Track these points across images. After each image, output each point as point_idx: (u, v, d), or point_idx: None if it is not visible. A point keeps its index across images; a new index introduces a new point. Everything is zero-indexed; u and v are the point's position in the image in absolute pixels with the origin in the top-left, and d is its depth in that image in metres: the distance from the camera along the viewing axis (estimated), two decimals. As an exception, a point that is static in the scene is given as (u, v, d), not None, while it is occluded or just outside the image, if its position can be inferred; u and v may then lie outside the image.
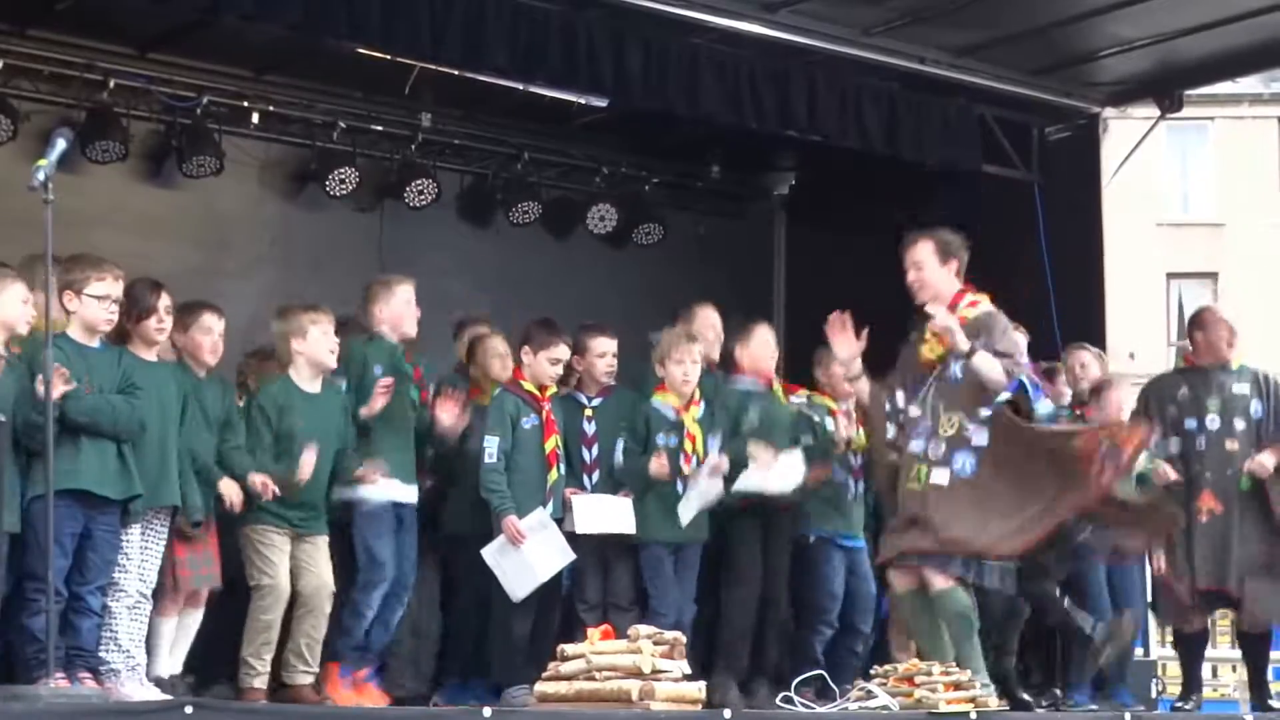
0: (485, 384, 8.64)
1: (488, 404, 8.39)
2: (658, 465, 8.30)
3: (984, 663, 7.74)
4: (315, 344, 7.73)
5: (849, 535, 8.84)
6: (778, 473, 8.43)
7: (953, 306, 7.75)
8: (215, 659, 7.79)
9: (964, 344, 7.56)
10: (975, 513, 7.58)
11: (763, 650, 8.67)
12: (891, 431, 7.90)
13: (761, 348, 8.80)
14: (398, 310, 8.12)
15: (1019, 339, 7.87)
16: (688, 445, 8.39)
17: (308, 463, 7.54)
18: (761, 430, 8.54)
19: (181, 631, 7.53)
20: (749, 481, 8.39)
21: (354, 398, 7.92)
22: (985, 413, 7.60)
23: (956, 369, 7.67)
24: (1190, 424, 9.17)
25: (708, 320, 9.02)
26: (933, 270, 7.80)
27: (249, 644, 7.52)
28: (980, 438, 7.60)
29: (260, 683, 7.52)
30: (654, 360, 8.56)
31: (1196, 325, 9.45)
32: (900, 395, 7.86)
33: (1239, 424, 9.11)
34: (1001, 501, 7.60)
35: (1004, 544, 7.63)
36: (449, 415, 8.13)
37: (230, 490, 7.40)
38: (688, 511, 8.33)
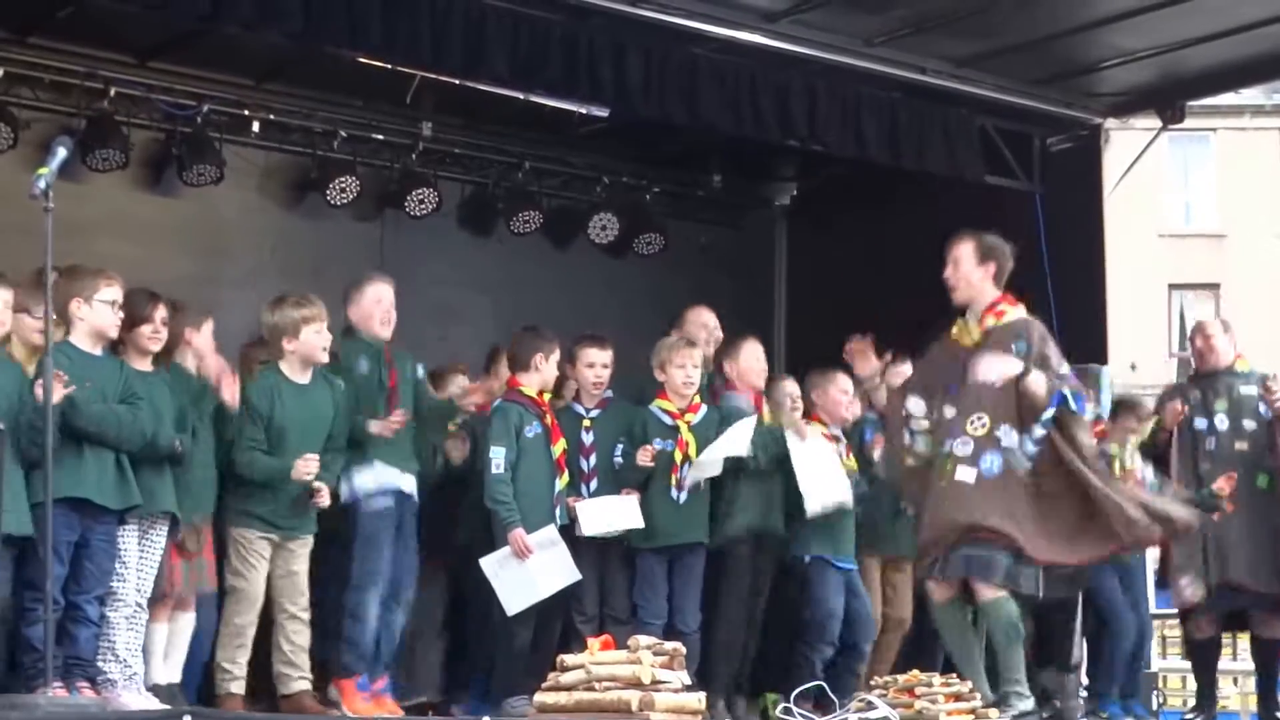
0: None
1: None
2: (644, 455, 8.32)
3: (1024, 673, 7.74)
4: (307, 343, 7.70)
5: (842, 558, 8.83)
6: (815, 449, 8.48)
7: (984, 314, 7.76)
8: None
9: (1015, 369, 7.57)
10: (1006, 509, 7.51)
11: (742, 668, 8.69)
12: (906, 438, 7.87)
13: (751, 362, 8.78)
14: (366, 310, 8.09)
15: (1054, 348, 7.79)
16: (678, 454, 8.40)
17: (304, 469, 7.50)
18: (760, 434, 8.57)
19: (175, 637, 7.50)
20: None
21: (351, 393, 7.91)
22: (1039, 432, 7.57)
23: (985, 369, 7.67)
24: (1200, 424, 9.20)
25: (699, 320, 9.02)
26: (968, 269, 7.80)
27: (223, 649, 7.51)
28: (1010, 439, 7.56)
29: (237, 688, 7.47)
30: (653, 367, 8.58)
31: (1195, 335, 9.52)
32: (914, 401, 7.84)
33: (1248, 424, 9.15)
34: (1033, 509, 7.55)
35: (1039, 549, 7.57)
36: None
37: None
38: (699, 472, 8.33)
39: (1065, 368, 7.75)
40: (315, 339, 7.72)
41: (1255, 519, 9.04)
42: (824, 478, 8.58)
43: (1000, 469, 7.55)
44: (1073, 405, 7.63)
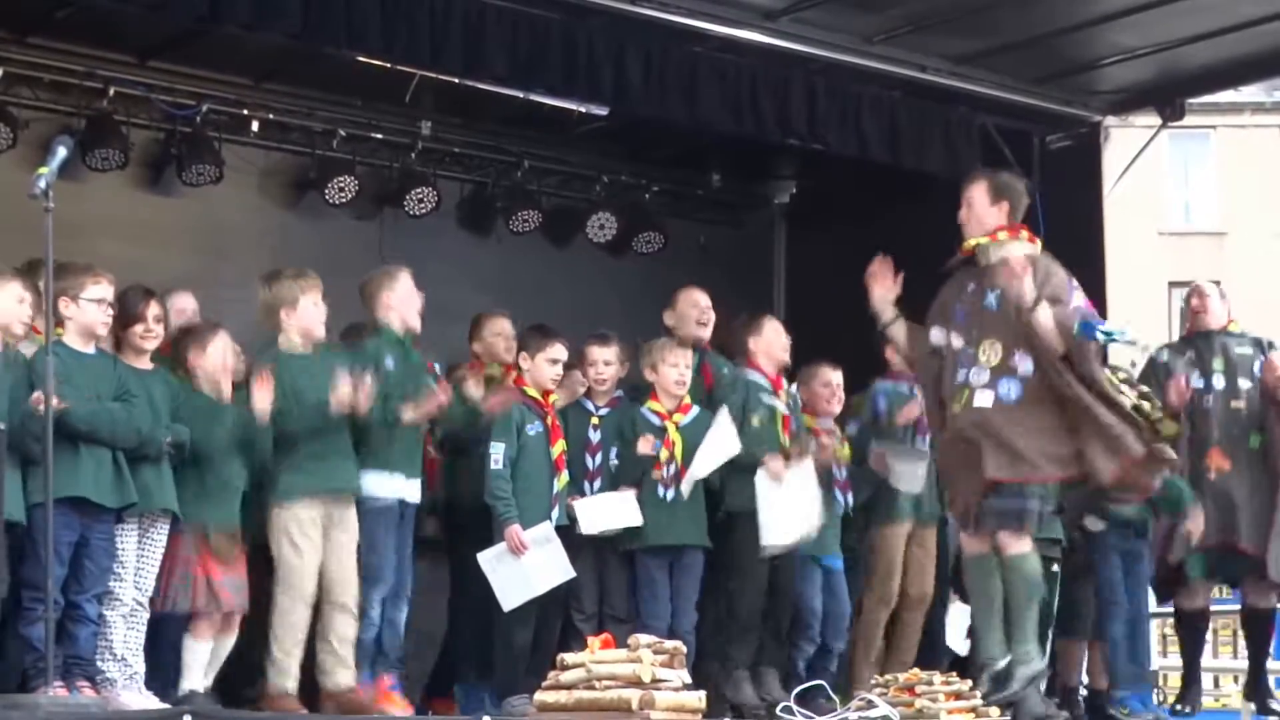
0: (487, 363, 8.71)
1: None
2: (644, 444, 8.31)
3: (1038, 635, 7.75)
4: (306, 314, 7.67)
5: (827, 555, 8.83)
6: (788, 488, 8.43)
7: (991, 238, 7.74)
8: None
9: (1030, 293, 7.49)
10: (1019, 431, 7.50)
11: (763, 645, 8.66)
12: (962, 375, 7.76)
13: (774, 337, 8.81)
14: (404, 297, 8.08)
15: (1065, 279, 7.75)
16: (664, 453, 8.38)
17: (343, 391, 7.40)
18: (765, 433, 8.55)
19: (214, 656, 7.42)
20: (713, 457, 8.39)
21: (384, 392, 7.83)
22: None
23: (992, 298, 7.65)
24: (1197, 383, 9.21)
25: (691, 299, 9.01)
26: (980, 209, 7.82)
27: (278, 643, 7.35)
28: (1026, 366, 7.54)
29: (293, 685, 7.34)
30: (643, 367, 8.58)
31: (1191, 295, 9.65)
32: (937, 331, 7.81)
33: (1244, 384, 9.21)
34: (1043, 423, 7.54)
35: (1048, 467, 7.56)
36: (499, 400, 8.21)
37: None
38: (701, 468, 8.32)
39: (1077, 298, 7.66)
40: (314, 311, 7.69)
41: (1251, 481, 9.06)
42: (791, 516, 8.45)
43: (1019, 395, 7.53)
44: (1087, 332, 7.56)
